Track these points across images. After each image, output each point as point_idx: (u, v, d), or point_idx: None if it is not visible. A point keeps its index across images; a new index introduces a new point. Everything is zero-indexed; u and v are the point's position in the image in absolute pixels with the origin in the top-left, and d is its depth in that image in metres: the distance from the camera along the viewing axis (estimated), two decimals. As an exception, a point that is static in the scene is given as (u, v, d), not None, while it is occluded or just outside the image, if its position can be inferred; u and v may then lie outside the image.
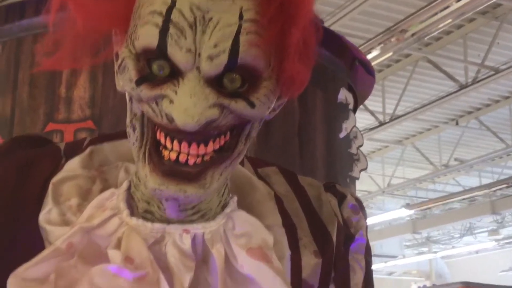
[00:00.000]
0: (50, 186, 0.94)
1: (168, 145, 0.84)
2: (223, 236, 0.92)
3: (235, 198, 0.97)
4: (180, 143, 0.83)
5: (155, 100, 0.82)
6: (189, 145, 0.83)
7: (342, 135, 2.67)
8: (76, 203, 0.94)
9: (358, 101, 3.02)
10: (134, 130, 0.87)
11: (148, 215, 0.91)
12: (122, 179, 0.97)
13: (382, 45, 7.40)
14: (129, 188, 0.94)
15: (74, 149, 1.01)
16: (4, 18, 2.66)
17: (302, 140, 2.48)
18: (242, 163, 1.04)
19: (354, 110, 2.85)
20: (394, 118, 10.12)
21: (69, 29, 0.86)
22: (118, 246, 0.88)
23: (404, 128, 11.50)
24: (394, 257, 17.67)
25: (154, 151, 0.85)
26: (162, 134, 0.84)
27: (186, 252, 0.90)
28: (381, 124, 10.24)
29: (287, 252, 0.98)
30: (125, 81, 0.85)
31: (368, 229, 1.15)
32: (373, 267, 1.18)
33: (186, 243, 0.90)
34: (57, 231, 0.91)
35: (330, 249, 1.03)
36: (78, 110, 2.40)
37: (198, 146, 0.84)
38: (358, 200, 1.14)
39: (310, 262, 1.00)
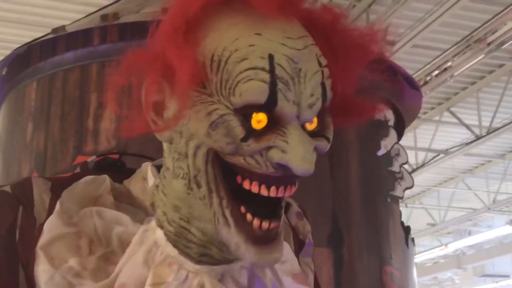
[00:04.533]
0: (40, 252, 0.92)
1: (264, 192, 0.86)
2: None
3: None
4: (277, 189, 0.86)
5: (260, 152, 0.84)
6: (285, 189, 0.87)
7: (380, 152, 2.57)
8: (77, 263, 0.92)
9: (406, 118, 2.90)
10: (199, 186, 0.88)
11: (204, 258, 0.93)
12: (101, 226, 0.95)
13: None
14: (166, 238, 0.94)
15: (22, 193, 0.98)
16: (39, 55, 2.76)
17: (333, 160, 2.40)
18: None
19: (398, 127, 2.74)
20: (491, 131, 9.71)
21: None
22: None
23: (505, 141, 11.01)
24: (506, 276, 16.88)
25: (240, 217, 0.87)
26: (255, 183, 0.86)
27: (242, 285, 0.95)
28: (478, 138, 9.84)
29: None
30: (218, 136, 0.84)
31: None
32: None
33: (243, 277, 0.96)
34: None
35: None
36: (104, 142, 2.44)
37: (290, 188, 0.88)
38: (301, 207, 1.15)
39: None
